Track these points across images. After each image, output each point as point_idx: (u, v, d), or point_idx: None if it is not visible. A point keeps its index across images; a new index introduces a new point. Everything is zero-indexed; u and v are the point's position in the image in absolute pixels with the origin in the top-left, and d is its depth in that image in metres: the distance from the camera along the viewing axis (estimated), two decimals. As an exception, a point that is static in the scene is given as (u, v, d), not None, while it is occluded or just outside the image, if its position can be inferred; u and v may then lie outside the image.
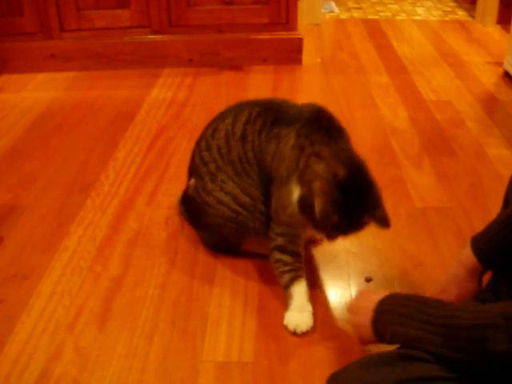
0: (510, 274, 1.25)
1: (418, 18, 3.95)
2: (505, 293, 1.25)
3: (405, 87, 2.73)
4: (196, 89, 2.76)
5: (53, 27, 2.93)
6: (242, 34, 2.99)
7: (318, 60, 3.10)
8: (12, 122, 2.45)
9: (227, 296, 1.48)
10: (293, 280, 1.42)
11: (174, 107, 2.56)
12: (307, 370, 1.26)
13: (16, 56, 2.96)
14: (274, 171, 1.42)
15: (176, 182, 1.93)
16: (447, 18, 3.93)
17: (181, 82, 2.84)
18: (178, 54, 3.00)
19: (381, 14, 4.07)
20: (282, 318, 1.40)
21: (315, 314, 1.41)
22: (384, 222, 1.34)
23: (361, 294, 1.29)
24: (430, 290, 1.36)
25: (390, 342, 1.21)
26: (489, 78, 2.83)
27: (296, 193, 1.35)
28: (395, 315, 1.22)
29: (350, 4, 4.31)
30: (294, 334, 1.36)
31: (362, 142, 2.21)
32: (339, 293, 1.49)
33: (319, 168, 1.31)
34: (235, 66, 2.99)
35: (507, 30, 3.51)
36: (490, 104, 2.57)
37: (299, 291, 1.41)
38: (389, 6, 4.26)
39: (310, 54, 3.11)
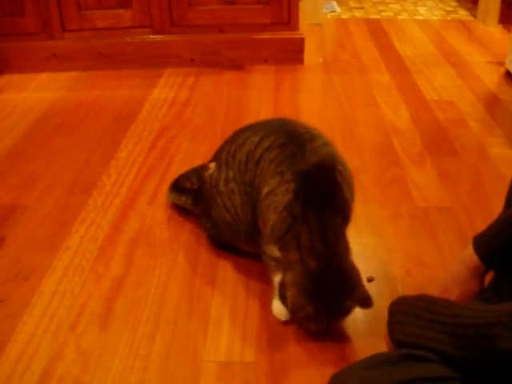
0: (512, 273, 1.25)
1: (420, 17, 3.95)
2: (507, 292, 1.25)
3: (406, 87, 2.73)
4: (198, 89, 2.76)
5: (54, 27, 2.93)
6: (243, 33, 2.99)
7: (320, 60, 3.10)
8: (14, 122, 2.45)
9: (229, 296, 1.48)
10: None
11: (175, 107, 2.56)
12: (309, 370, 1.26)
13: (18, 56, 2.97)
14: (263, 207, 1.39)
15: (178, 182, 1.93)
16: (449, 18, 3.93)
17: (182, 81, 2.84)
18: (179, 53, 3.00)
19: (382, 13, 4.07)
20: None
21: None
22: (365, 303, 1.31)
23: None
24: (431, 290, 1.36)
25: (399, 343, 1.21)
26: (491, 78, 2.83)
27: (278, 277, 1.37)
28: (404, 315, 1.23)
29: (352, 4, 4.31)
30: (279, 321, 1.39)
31: (364, 141, 2.21)
32: (341, 292, 1.49)
33: (293, 256, 1.30)
34: (237, 65, 2.99)
35: (509, 30, 3.51)
36: (491, 104, 2.57)
37: None
38: (390, 5, 4.26)
39: (311, 54, 3.11)
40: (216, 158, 1.61)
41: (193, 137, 2.27)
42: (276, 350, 1.32)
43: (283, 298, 1.35)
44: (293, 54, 3.00)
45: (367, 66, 3.01)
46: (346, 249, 1.33)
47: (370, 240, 1.67)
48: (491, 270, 1.31)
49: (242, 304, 1.45)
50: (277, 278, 1.43)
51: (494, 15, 3.65)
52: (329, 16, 3.97)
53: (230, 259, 1.60)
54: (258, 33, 2.99)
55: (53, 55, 2.97)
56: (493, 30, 3.59)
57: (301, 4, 3.01)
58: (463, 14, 4.00)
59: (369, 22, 3.82)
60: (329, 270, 1.27)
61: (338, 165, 1.38)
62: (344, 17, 3.99)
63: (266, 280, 1.52)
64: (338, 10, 4.09)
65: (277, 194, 1.35)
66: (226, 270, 1.57)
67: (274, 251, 1.36)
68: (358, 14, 4.06)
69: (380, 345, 1.30)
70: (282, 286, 1.34)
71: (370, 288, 1.49)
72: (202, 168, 1.92)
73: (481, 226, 1.33)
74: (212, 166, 1.58)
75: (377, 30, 3.64)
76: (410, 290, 1.43)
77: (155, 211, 1.82)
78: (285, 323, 1.38)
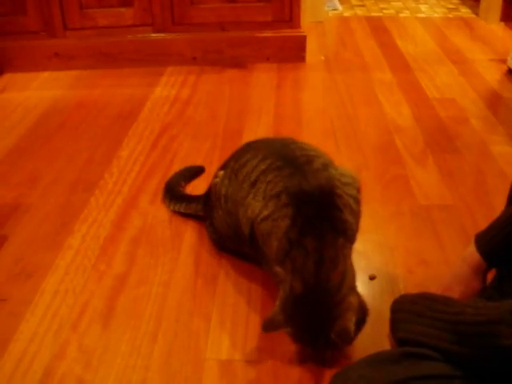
0: (514, 271, 1.25)
1: (422, 15, 3.95)
2: (509, 290, 1.25)
3: (408, 85, 2.73)
4: (199, 87, 2.76)
5: (56, 26, 2.93)
6: (245, 31, 2.99)
7: (322, 58, 3.10)
8: (16, 121, 2.45)
9: (231, 294, 1.48)
10: None
11: (177, 105, 2.56)
12: (311, 369, 1.26)
13: (19, 55, 2.97)
14: (262, 230, 1.37)
15: (179, 181, 1.93)
16: (451, 15, 3.92)
17: (184, 80, 2.84)
18: (181, 52, 3.00)
19: (384, 11, 4.06)
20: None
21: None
22: (342, 337, 1.22)
23: None
24: (434, 288, 1.36)
25: (401, 341, 1.21)
26: (493, 76, 2.83)
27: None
28: (406, 313, 1.23)
29: (354, 1, 4.30)
30: None
31: (366, 139, 2.21)
32: (343, 291, 1.48)
33: (287, 278, 1.26)
34: (239, 63, 2.99)
35: (511, 27, 3.51)
36: (493, 101, 2.57)
37: None
38: (392, 3, 4.25)
39: (313, 52, 3.11)
40: (224, 167, 1.60)
41: (194, 135, 2.27)
42: (278, 348, 1.32)
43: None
44: (294, 52, 3.00)
45: (369, 64, 3.01)
46: (344, 274, 1.27)
47: (372, 238, 1.67)
48: (493, 267, 1.31)
49: (244, 302, 1.45)
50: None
51: (496, 13, 3.64)
52: (330, 14, 3.97)
53: (233, 258, 1.60)
54: (259, 31, 2.99)
55: (55, 54, 2.97)
56: (495, 28, 3.59)
57: (302, 2, 3.00)
58: (465, 11, 4.00)
59: (370, 20, 3.82)
60: (312, 298, 1.23)
61: (336, 188, 1.33)
62: (346, 15, 3.98)
63: (269, 278, 1.52)
64: (340, 7, 4.09)
65: (276, 220, 1.32)
66: (228, 268, 1.57)
67: (280, 273, 1.33)
68: (359, 11, 4.06)
69: (382, 343, 1.30)
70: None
71: (372, 286, 1.49)
72: (188, 170, 1.97)
73: (483, 223, 1.33)
74: (220, 174, 1.58)
75: (378, 28, 3.63)
76: (412, 288, 1.43)
77: (157, 210, 1.82)
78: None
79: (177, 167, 2.03)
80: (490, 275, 1.33)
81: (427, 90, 2.66)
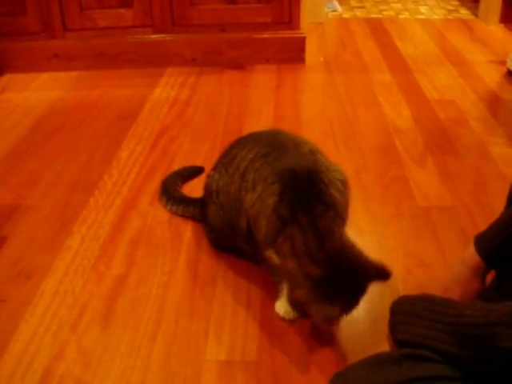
0: (513, 273, 1.25)
1: (421, 16, 3.95)
2: (508, 291, 1.25)
3: (408, 86, 2.73)
4: (199, 88, 2.76)
5: (56, 27, 2.93)
6: (244, 33, 2.99)
7: (321, 59, 3.10)
8: (15, 122, 2.45)
9: (230, 295, 1.48)
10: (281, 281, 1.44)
11: (176, 106, 2.56)
12: (311, 369, 1.26)
13: (19, 55, 2.97)
14: (253, 215, 1.37)
15: (179, 182, 1.93)
16: (450, 17, 3.92)
17: (184, 81, 2.84)
18: (180, 53, 3.00)
19: (384, 12, 4.06)
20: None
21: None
22: (384, 275, 1.29)
23: None
24: (433, 289, 1.36)
25: (401, 343, 1.21)
26: (492, 77, 2.83)
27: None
28: (405, 315, 1.23)
29: (353, 3, 4.30)
30: (284, 320, 1.40)
31: (365, 141, 2.21)
32: (342, 292, 1.48)
33: (291, 264, 1.26)
34: (238, 65, 2.99)
35: (510, 29, 3.52)
36: (493, 103, 2.57)
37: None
38: (392, 4, 4.26)
39: (313, 53, 3.11)
40: (215, 166, 1.61)
41: (194, 136, 2.27)
42: (277, 349, 1.32)
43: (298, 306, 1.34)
44: (294, 53, 3.00)
45: (368, 66, 3.01)
46: (341, 237, 1.28)
47: (372, 239, 1.67)
48: (493, 269, 1.31)
49: (243, 303, 1.45)
50: (279, 282, 1.43)
51: (496, 14, 3.65)
52: (330, 15, 3.97)
53: (232, 258, 1.60)
54: (259, 32, 2.99)
55: (54, 55, 2.97)
56: (494, 29, 3.59)
57: (302, 3, 3.00)
58: (464, 13, 4.00)
59: (370, 21, 3.82)
60: (334, 271, 1.23)
61: (323, 167, 1.35)
62: (345, 16, 3.99)
63: (267, 279, 1.52)
64: (340, 9, 4.09)
65: (264, 199, 1.33)
66: (228, 269, 1.57)
67: (273, 258, 1.34)
68: (359, 13, 4.06)
69: (382, 344, 1.30)
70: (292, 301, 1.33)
71: (372, 288, 1.49)
72: (186, 169, 1.99)
73: (482, 225, 1.33)
74: (212, 174, 1.59)
75: (378, 29, 3.64)
76: (411, 290, 1.43)
77: (156, 211, 1.82)
78: (284, 321, 1.38)
79: (176, 168, 2.03)
80: (490, 277, 1.33)
81: (427, 92, 2.66)
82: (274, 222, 1.29)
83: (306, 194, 1.29)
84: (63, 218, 1.80)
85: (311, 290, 1.24)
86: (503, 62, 2.92)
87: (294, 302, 1.37)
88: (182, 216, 1.78)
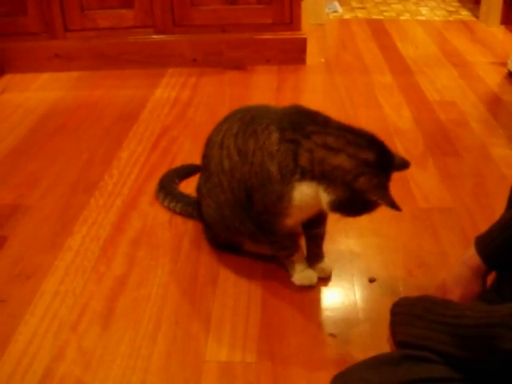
0: (514, 274, 1.25)
1: (422, 18, 3.95)
2: (509, 293, 1.25)
3: (409, 87, 2.73)
4: (200, 89, 2.76)
5: (57, 27, 2.94)
6: (245, 33, 2.99)
7: (322, 60, 3.10)
8: (16, 122, 2.46)
9: (230, 296, 1.48)
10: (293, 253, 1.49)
11: (177, 107, 2.56)
12: (311, 370, 1.26)
13: (20, 56, 2.97)
14: (256, 168, 1.36)
15: (180, 182, 1.94)
16: (451, 18, 3.92)
17: (184, 81, 2.84)
18: (181, 53, 3.00)
19: (385, 13, 4.06)
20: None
21: (319, 314, 1.42)
22: (405, 165, 1.36)
23: None
24: (433, 291, 1.36)
25: (401, 344, 1.21)
26: (493, 79, 2.83)
27: (311, 191, 1.30)
28: (406, 316, 1.23)
29: (354, 4, 4.31)
30: (302, 286, 1.49)
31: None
32: (343, 293, 1.49)
33: (343, 162, 1.26)
34: (239, 65, 2.99)
35: (511, 31, 3.51)
36: (494, 104, 2.57)
37: (299, 258, 1.50)
38: (392, 5, 4.26)
39: (313, 54, 3.11)
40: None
41: (195, 137, 2.27)
42: (278, 350, 1.32)
43: (342, 208, 1.30)
44: (295, 54, 3.00)
45: (369, 67, 3.01)
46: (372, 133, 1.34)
47: (372, 240, 1.67)
48: (493, 270, 1.31)
49: (243, 304, 1.45)
50: (286, 258, 1.49)
51: (497, 16, 3.65)
52: (331, 16, 3.97)
53: (232, 259, 1.60)
54: (260, 33, 2.99)
55: (55, 55, 2.97)
56: (495, 31, 3.59)
57: (303, 4, 3.01)
58: (465, 14, 4.00)
59: (371, 23, 3.82)
60: (382, 154, 1.29)
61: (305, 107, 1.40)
62: (346, 17, 3.99)
63: (268, 280, 1.52)
64: (340, 10, 4.09)
65: (262, 147, 1.34)
66: (228, 269, 1.57)
67: (302, 193, 1.31)
68: (360, 14, 4.06)
69: (382, 345, 1.30)
70: (343, 199, 1.28)
71: (372, 288, 1.49)
72: (184, 168, 2.00)
73: (483, 226, 1.33)
74: (199, 176, 1.61)
75: (379, 31, 3.64)
76: (412, 291, 1.43)
77: (157, 211, 1.82)
78: (285, 324, 1.38)
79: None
80: (490, 278, 1.33)
81: (427, 93, 2.66)
82: (288, 148, 1.30)
83: (303, 118, 1.34)
84: (64, 218, 1.80)
85: (374, 175, 1.25)
86: (504, 64, 2.92)
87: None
88: (180, 214, 1.78)
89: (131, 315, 1.42)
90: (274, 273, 1.54)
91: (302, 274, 1.49)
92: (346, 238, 1.68)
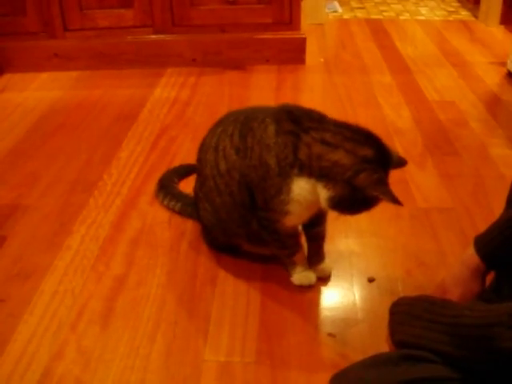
0: (513, 274, 1.25)
1: (422, 17, 3.95)
2: (507, 292, 1.25)
3: (408, 87, 2.73)
4: (199, 88, 2.76)
5: (56, 27, 2.93)
6: (245, 33, 2.99)
7: (321, 60, 3.10)
8: (15, 122, 2.45)
9: (230, 296, 1.48)
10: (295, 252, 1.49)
11: (177, 107, 2.56)
12: (309, 370, 1.26)
13: (19, 55, 2.97)
14: (255, 162, 1.35)
15: (179, 182, 1.94)
16: (450, 18, 3.92)
17: (184, 81, 2.84)
18: (181, 53, 3.00)
19: (384, 13, 4.07)
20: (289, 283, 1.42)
21: (318, 314, 1.42)
22: (402, 162, 1.37)
23: None
24: (432, 290, 1.36)
25: (400, 344, 1.21)
26: (492, 79, 2.83)
27: (309, 187, 1.29)
28: (404, 316, 1.23)
29: (354, 4, 4.31)
30: (301, 287, 1.49)
31: (365, 141, 2.21)
32: (342, 293, 1.49)
33: (341, 158, 1.25)
34: (238, 65, 2.99)
35: (511, 30, 3.52)
36: (493, 104, 2.57)
37: (300, 258, 1.50)
38: (392, 5, 4.26)
39: (313, 54, 3.11)
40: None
41: (194, 137, 2.27)
42: (276, 349, 1.32)
43: (341, 205, 1.29)
44: (294, 54, 3.00)
45: (369, 67, 3.01)
46: (369, 130, 1.33)
47: (371, 240, 1.67)
48: (492, 270, 1.31)
49: (242, 304, 1.45)
50: (287, 258, 1.49)
51: (496, 16, 3.65)
52: (330, 16, 3.97)
53: (231, 259, 1.60)
54: (259, 33, 2.99)
55: (54, 55, 2.97)
56: (494, 31, 3.59)
57: (302, 4, 3.01)
58: (465, 14, 4.00)
59: (370, 23, 3.82)
60: (380, 151, 1.28)
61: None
62: (346, 17, 3.99)
63: (267, 280, 1.52)
64: (340, 10, 4.09)
65: (260, 140, 1.34)
66: (227, 269, 1.57)
67: (301, 187, 1.30)
68: (359, 14, 4.06)
69: (381, 345, 1.30)
70: (343, 196, 1.27)
71: (371, 288, 1.49)
72: (183, 167, 2.00)
73: (482, 226, 1.33)
74: (195, 181, 1.61)
75: (378, 31, 3.64)
76: (410, 291, 1.43)
77: (156, 211, 1.82)
78: (284, 324, 1.38)
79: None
80: (489, 278, 1.33)
81: (427, 93, 2.66)
82: (286, 140, 1.30)
83: (298, 111, 1.34)
84: (63, 217, 1.80)
85: (374, 171, 1.24)
86: (503, 64, 2.92)
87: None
88: (180, 214, 1.78)
89: (130, 315, 1.42)
90: (273, 273, 1.54)
91: (301, 274, 1.49)
92: (345, 237, 1.68)
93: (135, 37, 2.99)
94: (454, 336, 1.07)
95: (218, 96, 2.67)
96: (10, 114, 2.53)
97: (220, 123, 1.51)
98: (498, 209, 1.35)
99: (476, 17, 3.85)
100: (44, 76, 2.93)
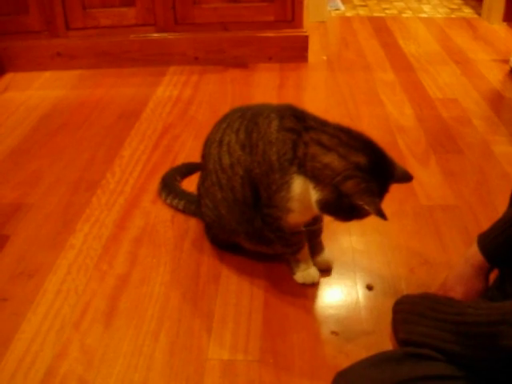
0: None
1: (424, 15, 3.94)
2: (511, 290, 1.25)
3: (411, 85, 2.73)
4: (202, 87, 2.76)
5: (59, 25, 2.94)
6: (247, 31, 2.98)
7: (324, 58, 3.10)
8: (18, 121, 2.46)
9: (233, 294, 1.48)
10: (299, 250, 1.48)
11: (179, 105, 2.56)
12: (313, 368, 1.26)
13: (22, 54, 2.97)
14: (259, 158, 1.35)
15: (182, 180, 1.94)
16: (453, 16, 3.92)
17: (186, 79, 2.84)
18: (183, 51, 3.00)
19: (387, 11, 4.06)
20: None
21: (321, 312, 1.42)
22: (407, 177, 1.36)
23: None
24: (436, 288, 1.36)
25: (403, 342, 1.21)
26: (495, 76, 2.82)
27: (307, 186, 1.29)
28: (408, 314, 1.23)
29: (356, 1, 4.30)
30: (304, 285, 1.50)
31: (368, 139, 2.20)
32: (345, 291, 1.49)
33: (333, 161, 1.24)
34: (241, 63, 2.99)
35: (514, 28, 3.51)
36: (496, 102, 2.56)
37: (304, 256, 1.49)
38: (395, 3, 4.25)
39: (315, 52, 3.11)
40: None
41: (197, 135, 2.27)
42: (280, 348, 1.32)
43: (328, 209, 1.28)
44: (297, 51, 3.00)
45: (371, 64, 3.01)
46: (369, 137, 1.32)
47: (374, 238, 1.67)
48: (496, 268, 1.31)
49: (246, 302, 1.45)
50: (291, 255, 1.49)
51: (499, 13, 3.64)
52: (333, 14, 3.96)
53: (234, 257, 1.60)
54: (262, 31, 2.99)
55: (57, 53, 2.97)
56: (497, 28, 3.59)
57: (305, 2, 3.00)
58: (468, 11, 3.99)
59: (373, 20, 3.82)
60: (376, 160, 1.26)
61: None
62: (348, 15, 3.98)
63: (270, 278, 1.52)
64: (342, 7, 4.09)
65: (263, 136, 1.34)
66: (230, 268, 1.57)
67: (298, 187, 1.30)
68: (362, 11, 4.06)
69: (384, 343, 1.30)
70: (329, 201, 1.26)
71: (374, 286, 1.49)
72: (186, 166, 2.01)
73: (485, 224, 1.33)
74: (199, 178, 1.61)
75: (381, 28, 3.63)
76: (414, 289, 1.43)
77: (159, 209, 1.82)
78: (287, 322, 1.38)
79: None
80: (493, 276, 1.33)
81: (430, 91, 2.66)
82: (287, 137, 1.30)
83: (301, 112, 1.35)
84: (66, 216, 1.80)
85: (363, 179, 1.23)
86: (506, 61, 2.92)
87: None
88: (183, 212, 1.78)
89: (133, 313, 1.42)
90: (276, 271, 1.54)
91: (304, 273, 1.49)
92: (348, 235, 1.68)
93: (138, 35, 2.99)
94: (457, 334, 1.07)
95: (221, 94, 2.67)
96: (13, 113, 2.53)
97: (226, 118, 1.51)
98: (501, 206, 1.35)
99: (479, 14, 3.84)
100: (47, 75, 2.94)
